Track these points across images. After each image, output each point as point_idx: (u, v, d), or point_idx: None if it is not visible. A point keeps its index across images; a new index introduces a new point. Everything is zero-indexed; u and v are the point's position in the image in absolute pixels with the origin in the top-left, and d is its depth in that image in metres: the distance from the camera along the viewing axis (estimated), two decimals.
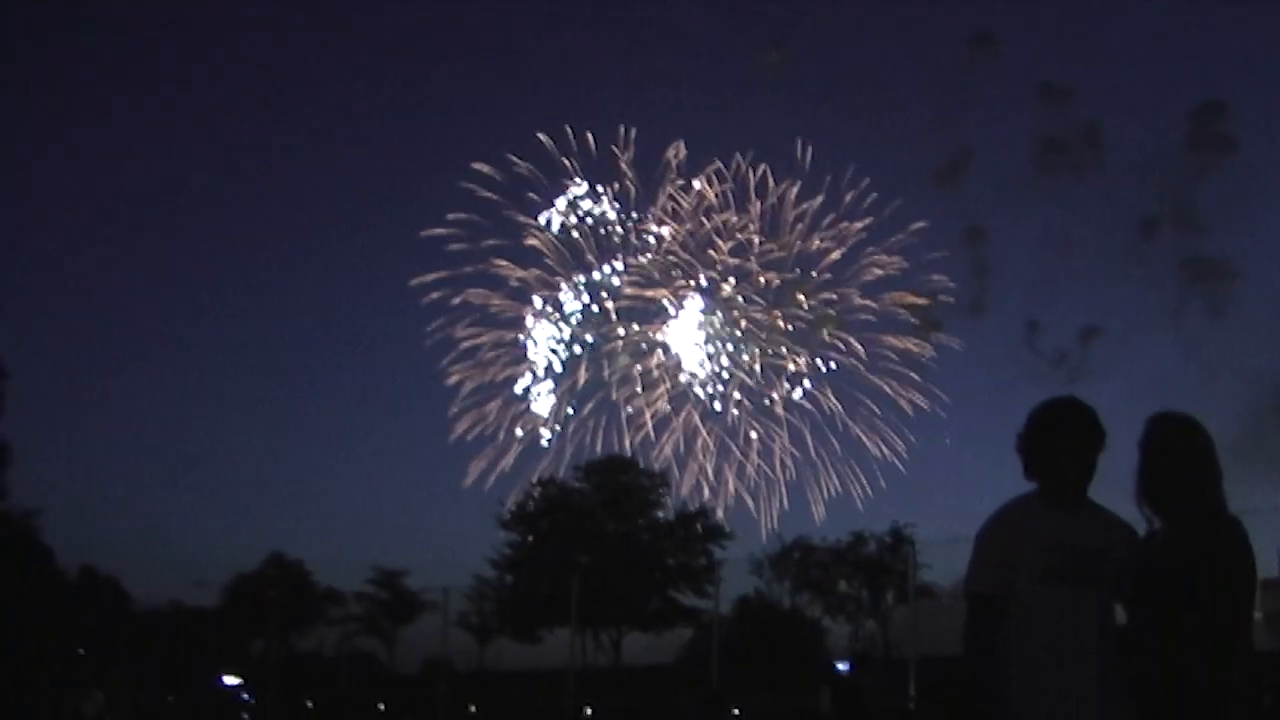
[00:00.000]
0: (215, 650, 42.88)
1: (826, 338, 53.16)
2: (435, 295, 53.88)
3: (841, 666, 23.77)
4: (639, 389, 52.84)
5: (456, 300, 54.03)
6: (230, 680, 42.30)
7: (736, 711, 25.58)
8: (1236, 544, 3.75)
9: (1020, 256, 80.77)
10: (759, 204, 53.62)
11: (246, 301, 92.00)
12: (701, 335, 52.74)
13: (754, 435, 53.70)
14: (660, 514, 50.02)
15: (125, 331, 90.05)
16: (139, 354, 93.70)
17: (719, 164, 53.76)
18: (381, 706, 38.09)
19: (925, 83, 63.50)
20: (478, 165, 54.23)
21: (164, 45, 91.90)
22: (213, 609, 49.14)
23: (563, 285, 53.91)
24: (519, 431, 54.25)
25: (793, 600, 48.45)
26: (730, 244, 53.28)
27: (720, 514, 51.74)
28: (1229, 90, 76.21)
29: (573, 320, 53.65)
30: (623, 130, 53.99)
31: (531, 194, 54.71)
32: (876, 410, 53.75)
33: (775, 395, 53.42)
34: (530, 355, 54.18)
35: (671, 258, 53.23)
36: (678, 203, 53.62)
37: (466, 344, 54.38)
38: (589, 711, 28.04)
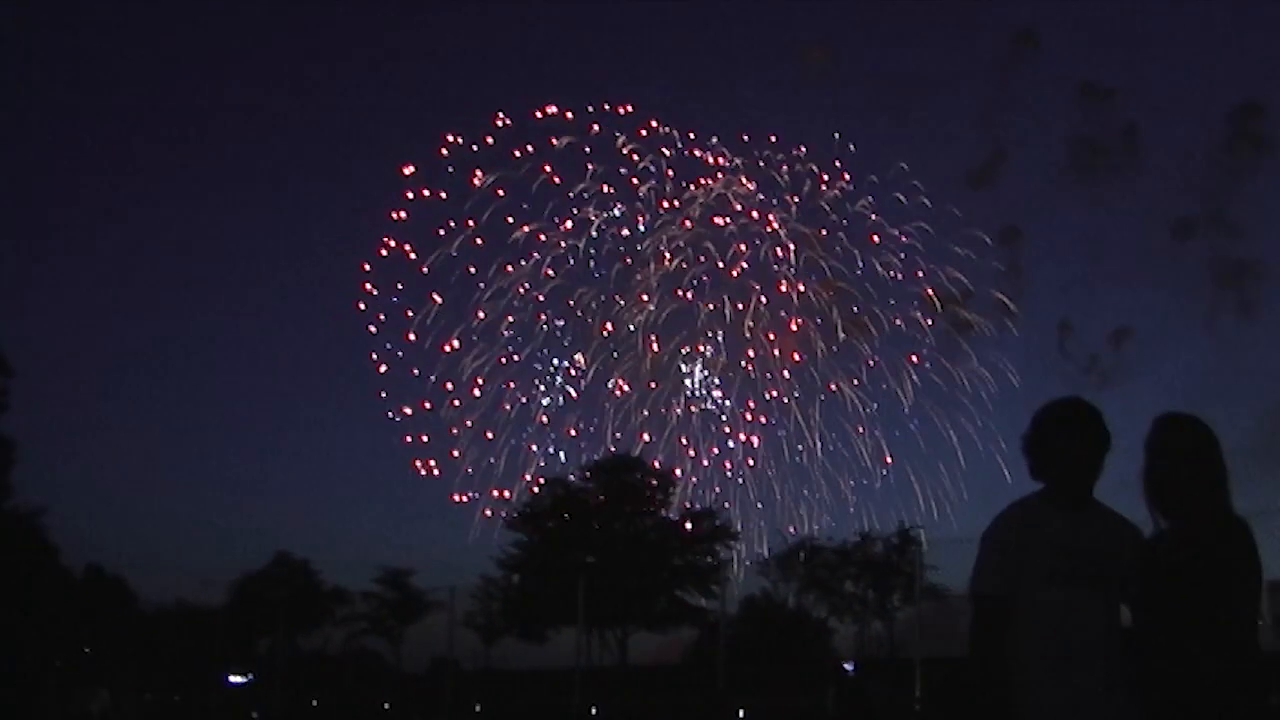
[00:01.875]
0: (221, 649, 42.93)
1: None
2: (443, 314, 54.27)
3: (847, 667, 23.78)
4: (653, 400, 52.97)
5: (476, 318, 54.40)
6: (236, 679, 42.41)
7: (742, 712, 25.57)
8: (1242, 545, 3.72)
9: (1052, 258, 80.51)
10: (793, 203, 53.30)
11: (256, 299, 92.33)
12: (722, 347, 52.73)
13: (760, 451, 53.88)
14: (666, 513, 49.98)
15: (132, 328, 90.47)
16: (146, 351, 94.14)
17: (749, 159, 53.19)
18: (387, 706, 38.12)
19: (963, 83, 63.40)
20: (484, 175, 54.01)
21: (181, 45, 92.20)
22: (219, 608, 49.10)
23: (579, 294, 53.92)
24: (526, 477, 54.73)
25: (799, 600, 48.38)
26: (761, 246, 53.13)
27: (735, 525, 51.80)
28: (1267, 92, 75.99)
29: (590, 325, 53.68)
30: (654, 124, 53.52)
31: (547, 200, 54.56)
32: (922, 445, 53.58)
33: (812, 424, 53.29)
34: (538, 382, 54.56)
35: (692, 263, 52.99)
36: (706, 205, 53.34)
37: (475, 360, 54.79)
38: (595, 711, 27.99)
